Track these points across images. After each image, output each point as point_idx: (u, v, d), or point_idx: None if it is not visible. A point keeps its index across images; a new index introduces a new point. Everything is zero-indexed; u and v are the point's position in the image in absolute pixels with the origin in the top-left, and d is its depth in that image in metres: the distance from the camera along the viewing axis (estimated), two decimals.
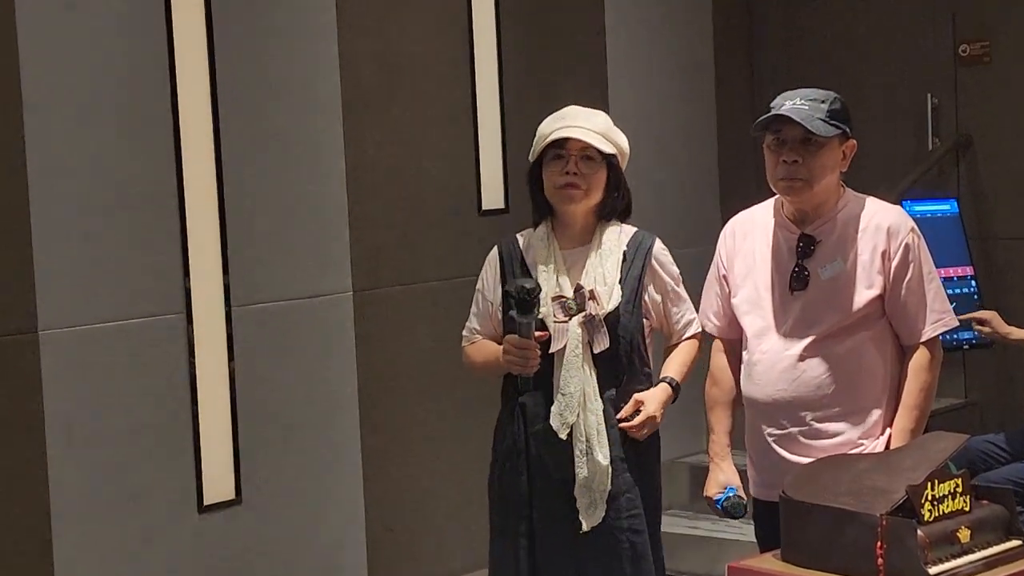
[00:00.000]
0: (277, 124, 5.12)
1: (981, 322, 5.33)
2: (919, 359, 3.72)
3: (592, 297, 3.84)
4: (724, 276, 3.90)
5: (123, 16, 4.68)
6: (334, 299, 5.29)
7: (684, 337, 4.00)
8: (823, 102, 3.68)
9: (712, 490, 3.86)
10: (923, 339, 3.72)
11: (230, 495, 4.95)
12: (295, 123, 5.17)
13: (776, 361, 3.73)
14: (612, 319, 3.85)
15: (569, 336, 3.82)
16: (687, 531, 6.04)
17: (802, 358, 3.70)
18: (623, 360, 3.89)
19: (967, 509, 3.32)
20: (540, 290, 3.78)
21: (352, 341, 5.33)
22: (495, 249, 4.05)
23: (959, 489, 3.31)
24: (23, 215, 4.43)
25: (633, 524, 3.88)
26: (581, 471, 3.82)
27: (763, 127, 3.71)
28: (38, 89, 4.45)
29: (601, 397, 3.85)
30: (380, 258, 5.43)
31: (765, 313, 3.77)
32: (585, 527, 3.84)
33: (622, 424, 3.86)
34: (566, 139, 3.86)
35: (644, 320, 3.93)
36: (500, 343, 3.89)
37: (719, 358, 3.95)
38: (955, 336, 5.24)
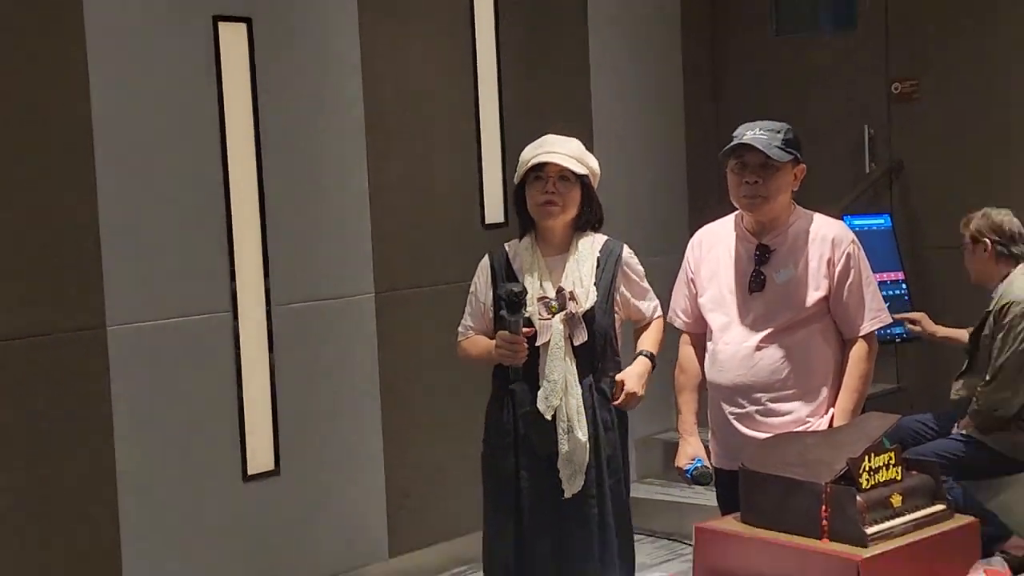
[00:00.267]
0: (310, 150, 5.11)
1: (913, 321, 5.37)
2: (858, 350, 3.72)
3: (572, 297, 3.82)
4: (692, 279, 3.89)
5: (177, 61, 4.69)
6: (358, 300, 5.29)
7: (653, 318, 4.00)
8: (779, 132, 3.69)
9: (682, 461, 3.85)
10: (862, 333, 3.72)
11: (270, 467, 4.95)
12: (325, 149, 5.17)
13: (737, 351, 3.73)
14: (589, 316, 3.83)
15: (552, 331, 3.81)
16: (660, 497, 6.06)
17: (759, 348, 3.70)
18: (598, 350, 3.87)
19: (899, 478, 3.34)
20: (527, 292, 3.77)
21: (374, 336, 5.33)
22: (486, 257, 4.02)
23: (892, 461, 3.33)
24: (94, 229, 4.45)
25: (602, 491, 3.87)
26: (563, 446, 3.80)
27: (729, 153, 3.72)
28: (107, 122, 4.46)
29: (580, 383, 3.83)
30: (397, 264, 5.42)
31: (728, 310, 3.77)
32: (567, 494, 3.83)
33: (614, 403, 3.86)
34: (545, 163, 3.84)
35: (615, 315, 3.93)
36: (491, 338, 3.86)
37: (687, 350, 3.94)
38: (889, 331, 5.24)
